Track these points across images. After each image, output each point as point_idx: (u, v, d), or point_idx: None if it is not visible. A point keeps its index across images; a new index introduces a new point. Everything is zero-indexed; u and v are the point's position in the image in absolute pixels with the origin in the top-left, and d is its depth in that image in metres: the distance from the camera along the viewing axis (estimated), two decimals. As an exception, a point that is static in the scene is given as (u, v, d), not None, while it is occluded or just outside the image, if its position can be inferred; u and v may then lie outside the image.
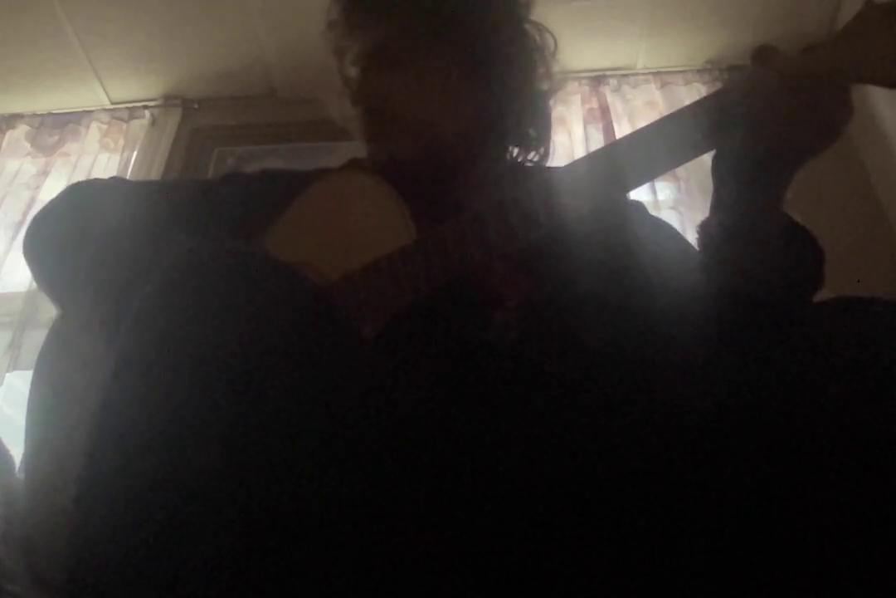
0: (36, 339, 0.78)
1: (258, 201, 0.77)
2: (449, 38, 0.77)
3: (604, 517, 0.51)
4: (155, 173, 2.07)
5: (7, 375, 1.74)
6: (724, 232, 0.68)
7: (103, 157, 2.18)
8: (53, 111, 2.29)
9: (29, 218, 0.89)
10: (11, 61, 2.13)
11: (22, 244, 0.75)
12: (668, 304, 0.65)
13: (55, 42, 2.08)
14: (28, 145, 2.21)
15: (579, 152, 1.99)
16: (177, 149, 2.17)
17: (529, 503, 0.52)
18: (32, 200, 2.05)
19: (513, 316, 0.67)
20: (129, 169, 2.09)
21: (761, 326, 0.61)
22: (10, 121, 2.27)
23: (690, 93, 2.07)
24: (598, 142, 1.99)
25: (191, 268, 0.47)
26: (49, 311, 0.78)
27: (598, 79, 2.17)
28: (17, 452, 0.71)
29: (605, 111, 2.09)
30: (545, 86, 0.85)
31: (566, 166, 0.66)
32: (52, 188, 2.05)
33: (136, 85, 2.25)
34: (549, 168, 0.86)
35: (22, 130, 2.25)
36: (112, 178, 0.85)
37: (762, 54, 0.63)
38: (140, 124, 2.23)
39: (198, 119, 2.27)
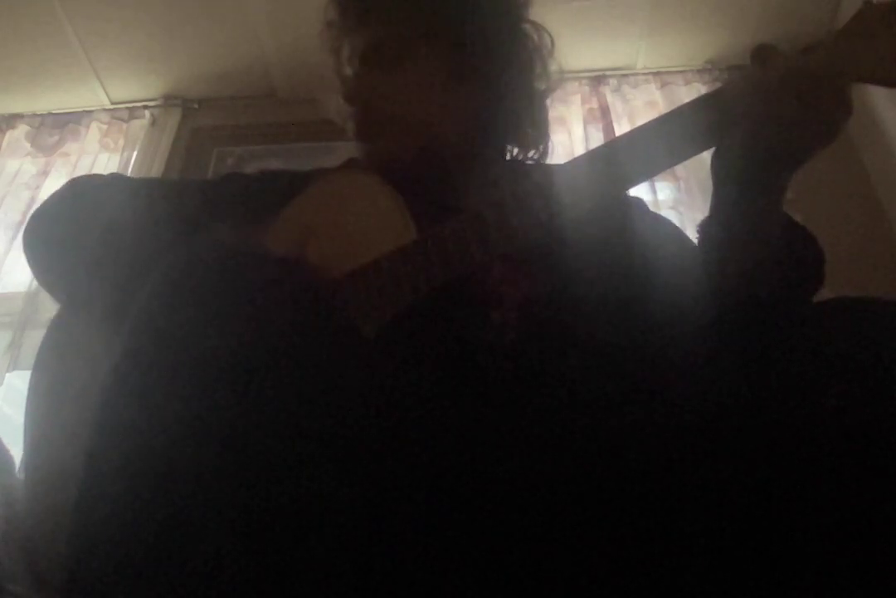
0: (36, 339, 0.78)
1: (257, 201, 0.77)
2: (445, 38, 0.77)
3: (604, 517, 0.51)
4: (155, 173, 2.07)
5: (7, 375, 1.74)
6: (723, 232, 0.67)
7: (103, 157, 2.18)
8: (53, 111, 2.29)
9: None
10: (11, 61, 2.13)
11: (22, 239, 0.75)
12: (669, 302, 0.65)
13: (55, 42, 2.08)
14: (28, 145, 2.21)
15: (579, 152, 1.98)
16: (177, 149, 2.17)
17: (529, 502, 0.52)
18: (32, 200, 2.05)
19: (512, 316, 0.67)
20: (129, 169, 2.09)
21: (761, 325, 0.61)
22: (10, 121, 2.27)
23: (690, 93, 2.07)
24: (598, 142, 1.99)
25: (192, 267, 0.47)
26: (49, 311, 0.78)
27: (598, 79, 2.17)
28: (17, 452, 0.71)
29: (605, 111, 2.09)
30: (543, 85, 0.85)
31: (565, 164, 0.66)
32: (52, 188, 2.02)
33: (136, 85, 2.25)
34: (549, 166, 0.86)
35: (22, 130, 2.25)
36: (111, 174, 0.85)
37: (761, 53, 0.63)
38: (140, 124, 2.23)
39: (198, 119, 2.27)
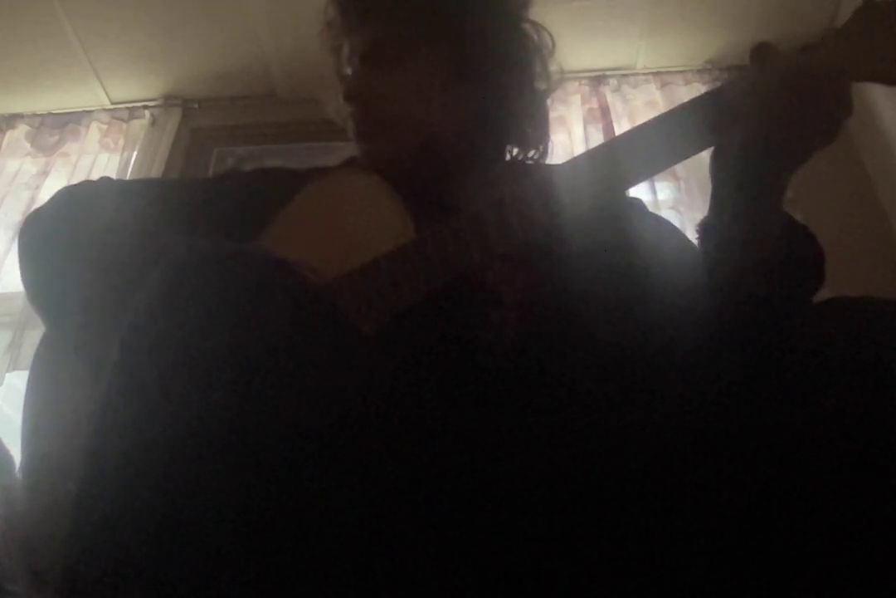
0: (36, 339, 0.78)
1: (256, 200, 0.77)
2: (445, 37, 0.77)
3: (604, 517, 0.51)
4: (155, 173, 2.07)
5: (7, 375, 1.74)
6: (722, 232, 0.67)
7: (103, 157, 2.18)
8: (53, 111, 2.29)
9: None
10: (11, 61, 2.13)
11: (17, 247, 0.75)
12: (668, 302, 0.65)
13: (55, 42, 2.08)
14: (28, 145, 2.21)
15: (579, 152, 1.99)
16: (177, 149, 2.17)
17: (529, 501, 0.52)
18: (32, 200, 2.05)
19: (512, 315, 0.67)
20: (129, 169, 2.09)
21: (762, 325, 0.61)
22: (10, 121, 2.27)
23: (690, 93, 2.07)
24: (597, 142, 1.99)
25: (189, 268, 0.47)
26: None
27: (598, 79, 2.17)
28: (17, 452, 0.71)
29: (605, 111, 2.09)
30: (543, 85, 0.85)
31: (564, 164, 0.66)
32: (52, 188, 2.05)
33: (136, 85, 2.25)
34: (548, 166, 0.86)
35: (22, 130, 2.25)
36: (102, 178, 0.84)
37: (761, 53, 0.63)
38: (140, 124, 2.23)
39: (198, 119, 2.27)
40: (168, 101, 2.27)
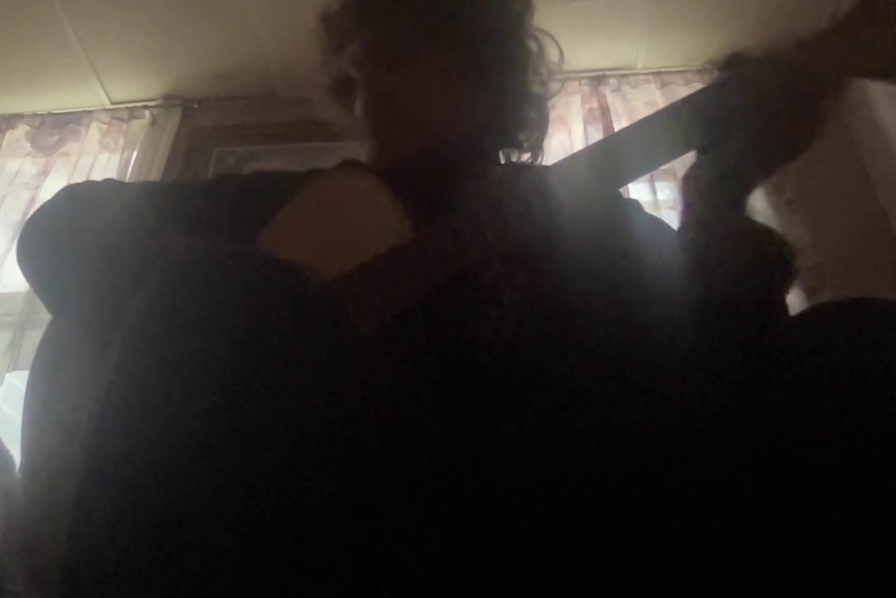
0: (36, 339, 0.78)
1: (252, 202, 0.77)
2: (446, 38, 0.77)
3: (604, 516, 0.51)
4: (155, 173, 2.07)
5: (7, 375, 1.74)
6: (686, 234, 0.67)
7: (103, 157, 2.18)
8: (53, 111, 2.29)
9: (29, 218, 0.89)
10: (11, 61, 2.13)
11: (16, 247, 0.75)
12: (666, 302, 0.65)
13: (55, 42, 2.08)
14: (28, 145, 2.21)
15: (579, 152, 1.99)
16: (177, 149, 2.17)
17: (528, 500, 0.52)
18: (32, 200, 2.05)
19: (510, 314, 0.67)
20: (129, 169, 2.09)
21: (762, 325, 0.61)
22: (10, 121, 2.27)
23: (690, 93, 2.07)
24: (598, 142, 1.99)
25: (190, 268, 0.47)
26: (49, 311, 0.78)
27: (598, 79, 2.17)
28: (17, 452, 0.71)
29: (605, 111, 2.09)
30: (544, 90, 0.86)
31: (559, 162, 0.66)
32: (52, 188, 2.05)
33: (136, 85, 2.25)
34: (543, 166, 0.86)
35: (22, 130, 2.25)
36: (105, 180, 0.84)
37: (731, 63, 0.62)
38: (140, 124, 2.23)
39: (198, 119, 2.27)
40: (168, 101, 2.26)
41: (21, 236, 0.74)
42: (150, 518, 0.37)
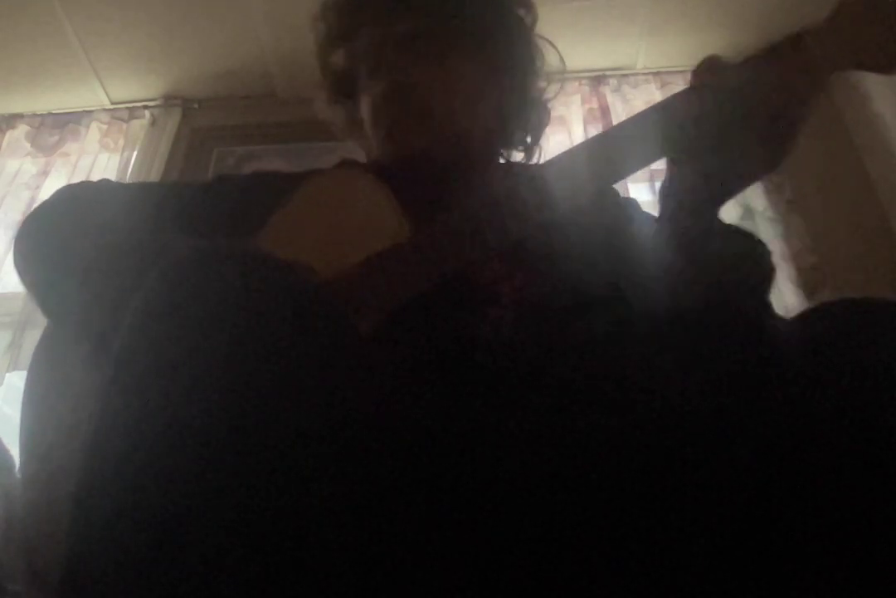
0: (36, 339, 0.78)
1: (251, 202, 0.77)
2: (474, 38, 0.78)
3: (603, 516, 0.51)
4: (155, 173, 2.07)
5: (7, 375, 1.74)
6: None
7: (103, 157, 2.18)
8: (53, 111, 2.29)
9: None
10: (11, 61, 2.13)
11: (13, 248, 0.74)
12: (666, 300, 0.65)
13: (55, 42, 2.08)
14: (28, 145, 2.21)
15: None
16: (177, 149, 2.17)
17: (527, 500, 0.52)
18: (32, 200, 2.05)
19: (509, 313, 0.67)
20: (129, 169, 2.09)
21: (762, 325, 0.61)
22: (10, 121, 2.27)
23: (690, 93, 2.07)
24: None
25: (189, 267, 0.47)
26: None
27: (598, 79, 2.17)
28: (17, 452, 0.71)
29: (605, 111, 2.10)
30: (545, 94, 0.87)
31: (555, 159, 0.65)
32: (52, 188, 2.03)
33: (136, 85, 2.25)
34: (540, 165, 0.86)
35: (22, 130, 2.25)
36: (102, 180, 0.84)
37: (705, 70, 0.61)
38: (140, 124, 2.23)
39: (198, 119, 2.27)
40: (168, 101, 2.26)
41: (17, 237, 0.74)
42: (150, 518, 0.37)
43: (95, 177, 2.06)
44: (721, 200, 0.63)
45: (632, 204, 0.85)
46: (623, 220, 0.78)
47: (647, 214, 0.84)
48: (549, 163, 0.65)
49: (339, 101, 0.86)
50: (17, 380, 1.72)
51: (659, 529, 0.50)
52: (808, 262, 1.78)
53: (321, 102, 0.87)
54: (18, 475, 0.69)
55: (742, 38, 2.04)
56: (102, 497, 0.39)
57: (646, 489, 0.51)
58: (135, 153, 2.14)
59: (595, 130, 2.05)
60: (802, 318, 0.55)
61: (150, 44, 2.12)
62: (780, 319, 0.64)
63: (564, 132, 2.05)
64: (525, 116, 0.86)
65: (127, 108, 2.28)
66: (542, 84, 0.86)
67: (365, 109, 0.80)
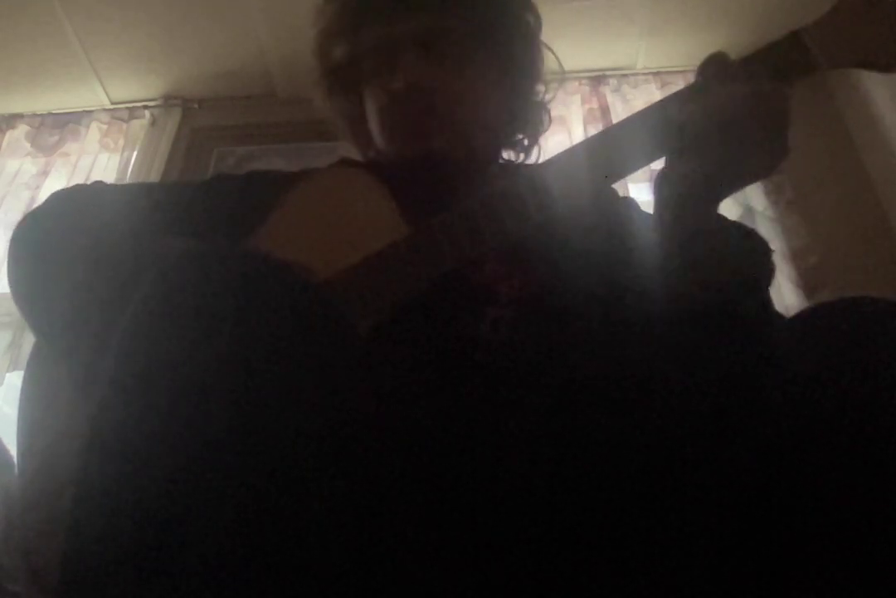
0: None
1: (248, 202, 0.77)
2: (485, 40, 0.78)
3: (603, 516, 0.51)
4: (155, 173, 2.07)
5: (7, 375, 1.74)
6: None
7: (103, 157, 2.18)
8: (53, 111, 2.29)
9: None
10: (11, 61, 2.13)
11: (7, 252, 0.73)
12: (665, 300, 0.65)
13: (55, 42, 2.08)
14: (28, 145, 2.21)
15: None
16: (177, 149, 2.17)
17: (528, 500, 0.52)
18: (32, 200, 2.05)
19: (508, 313, 0.67)
20: (129, 169, 2.09)
21: (762, 324, 0.61)
22: (10, 121, 2.27)
23: (690, 93, 2.07)
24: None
25: (186, 268, 0.47)
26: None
27: (598, 79, 2.17)
28: (16, 451, 0.71)
29: (605, 111, 2.10)
30: (545, 97, 0.88)
31: (554, 158, 0.65)
32: (52, 188, 2.04)
33: (136, 85, 2.25)
34: (537, 165, 0.86)
35: (22, 130, 2.25)
36: (96, 182, 0.83)
37: (709, 67, 0.61)
38: (140, 124, 2.23)
39: (198, 119, 2.27)
40: (168, 101, 2.27)
41: (11, 240, 0.73)
42: (150, 518, 0.37)
43: (95, 177, 2.07)
44: (719, 199, 0.63)
45: (631, 204, 0.85)
46: (622, 220, 0.78)
47: (647, 214, 0.84)
48: (549, 163, 0.65)
49: (337, 92, 0.85)
50: (17, 380, 1.72)
51: (659, 529, 0.50)
52: (808, 262, 1.78)
53: (316, 90, 0.87)
54: (18, 475, 0.69)
55: (742, 38, 2.04)
56: (102, 497, 0.39)
57: (646, 489, 0.51)
58: (135, 153, 2.14)
59: (595, 130, 2.05)
60: (802, 318, 0.55)
61: (150, 44, 2.12)
62: (781, 317, 0.64)
63: (564, 132, 2.05)
64: (528, 118, 0.86)
65: (127, 108, 2.29)
66: (544, 86, 0.87)
67: (373, 107, 0.79)
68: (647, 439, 0.53)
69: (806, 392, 0.48)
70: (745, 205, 1.90)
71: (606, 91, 2.15)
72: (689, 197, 0.60)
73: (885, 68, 0.59)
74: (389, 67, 0.76)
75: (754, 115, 0.57)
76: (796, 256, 1.79)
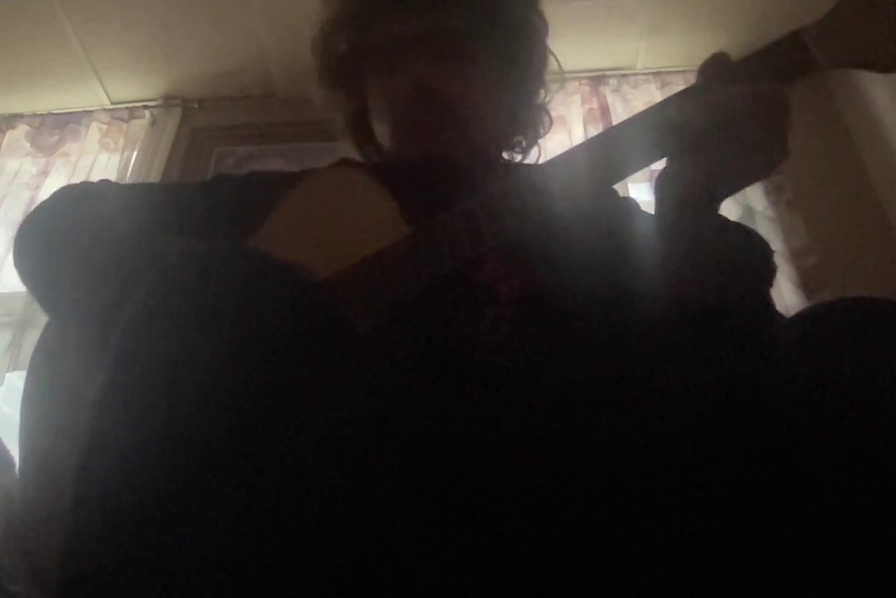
0: (36, 339, 0.78)
1: (248, 202, 0.77)
2: (490, 41, 0.78)
3: (603, 516, 0.51)
4: (155, 173, 2.07)
5: (7, 375, 1.74)
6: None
7: (103, 157, 2.18)
8: (53, 111, 2.29)
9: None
10: (11, 61, 2.13)
11: (13, 248, 0.74)
12: (665, 300, 0.65)
13: (55, 42, 2.08)
14: (28, 145, 2.21)
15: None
16: (177, 149, 2.17)
17: (528, 500, 0.52)
18: (32, 200, 2.06)
19: (508, 313, 0.67)
20: (129, 169, 2.09)
21: (762, 324, 0.61)
22: (10, 121, 2.27)
23: (690, 93, 2.07)
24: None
25: (187, 268, 0.47)
26: (48, 311, 0.77)
27: (598, 79, 2.17)
28: (17, 451, 0.71)
29: (605, 111, 2.10)
30: (545, 99, 0.89)
31: (554, 158, 0.66)
32: (52, 188, 2.02)
33: (136, 85, 2.25)
34: (538, 165, 0.86)
35: (22, 130, 2.25)
36: (101, 180, 0.84)
37: (710, 67, 0.61)
38: (140, 124, 2.23)
39: (198, 119, 2.27)
40: (168, 101, 2.27)
41: (17, 237, 0.74)
42: (150, 518, 0.37)
43: (95, 177, 2.06)
44: (720, 199, 0.63)
45: (632, 204, 0.85)
46: (623, 220, 0.78)
47: (647, 214, 0.84)
48: (549, 163, 0.65)
49: (338, 87, 0.85)
50: (17, 380, 1.72)
51: (659, 529, 0.50)
52: (808, 262, 1.78)
53: (317, 84, 0.87)
54: (18, 475, 0.69)
55: (742, 38, 2.04)
56: (101, 497, 0.39)
57: (646, 489, 0.51)
58: (135, 153, 2.14)
59: (595, 130, 2.05)
60: (802, 318, 0.55)
61: (150, 44, 2.12)
62: (781, 317, 0.64)
63: (564, 132, 2.05)
64: (528, 120, 0.87)
65: (127, 108, 2.29)
66: (544, 81, 0.88)
67: (379, 106, 0.79)
68: (647, 438, 0.53)
69: (806, 392, 0.48)
70: (745, 205, 1.90)
71: (606, 91, 2.15)
72: (690, 197, 0.61)
73: (885, 68, 0.59)
74: (393, 67, 0.76)
75: (755, 115, 0.57)
76: (796, 256, 1.79)
